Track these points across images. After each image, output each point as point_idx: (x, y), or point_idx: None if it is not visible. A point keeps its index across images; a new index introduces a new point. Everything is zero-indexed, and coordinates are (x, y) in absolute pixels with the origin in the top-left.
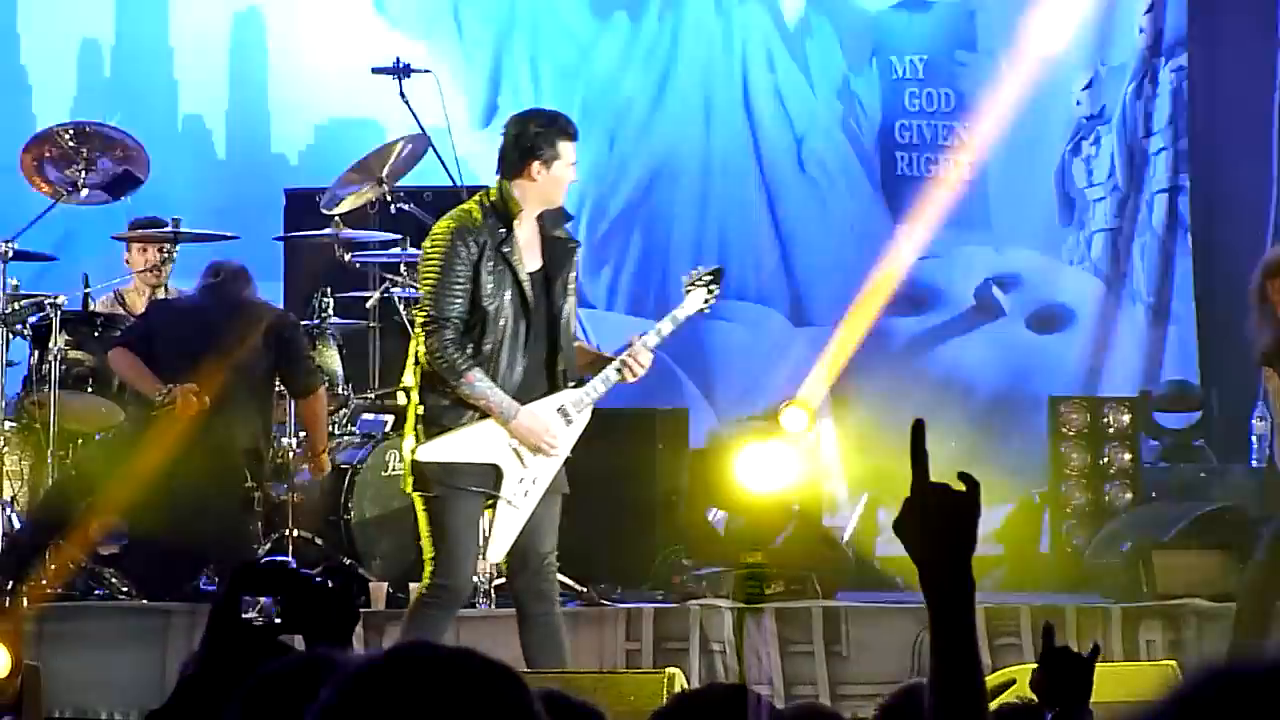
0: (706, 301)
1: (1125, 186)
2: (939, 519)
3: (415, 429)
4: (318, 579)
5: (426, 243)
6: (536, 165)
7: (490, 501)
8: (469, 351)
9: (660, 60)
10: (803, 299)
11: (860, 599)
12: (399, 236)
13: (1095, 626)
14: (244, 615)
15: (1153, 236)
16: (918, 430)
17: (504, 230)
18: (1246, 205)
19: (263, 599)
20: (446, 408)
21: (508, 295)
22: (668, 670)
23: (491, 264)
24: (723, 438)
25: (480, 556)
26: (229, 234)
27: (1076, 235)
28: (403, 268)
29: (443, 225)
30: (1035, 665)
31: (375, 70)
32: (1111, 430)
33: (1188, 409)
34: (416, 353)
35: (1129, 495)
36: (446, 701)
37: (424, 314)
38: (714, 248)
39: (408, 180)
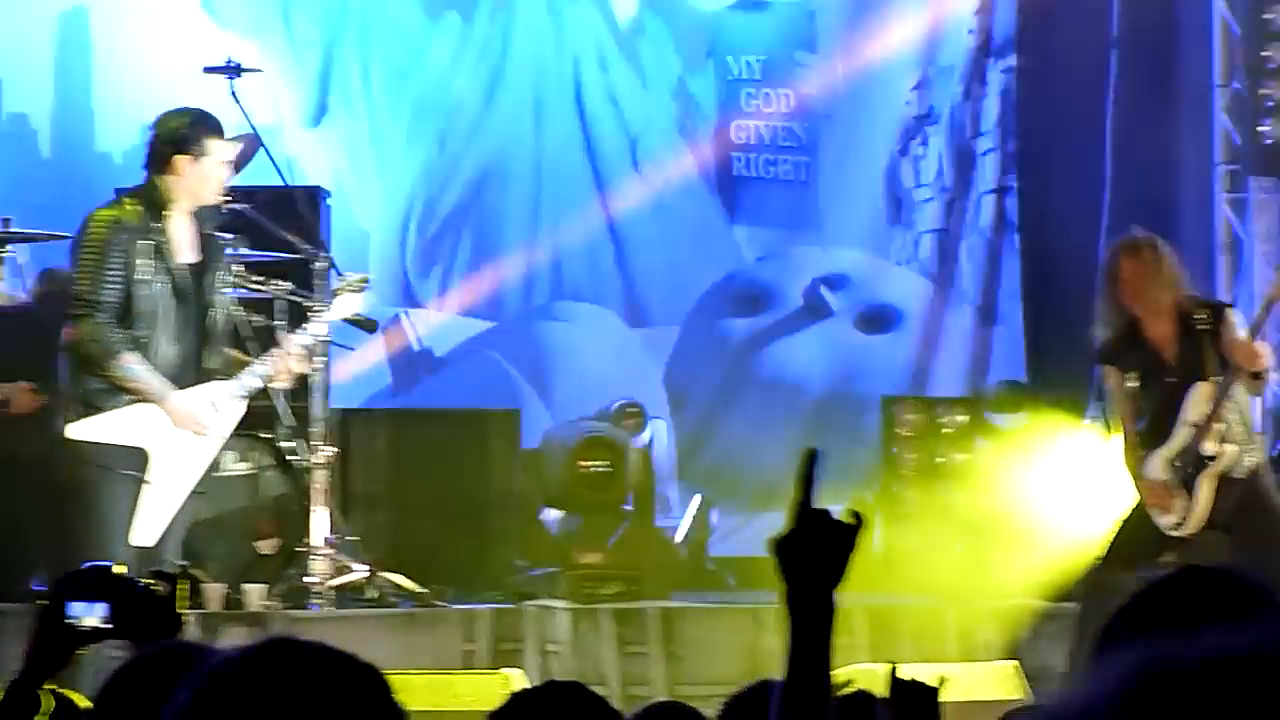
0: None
1: (953, 187)
2: (817, 546)
3: (66, 412)
4: (141, 584)
5: (81, 232)
6: (184, 160)
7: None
8: (121, 336)
9: (492, 60)
10: (638, 300)
11: (694, 599)
12: (231, 236)
13: (932, 627)
14: (69, 620)
15: (980, 237)
16: (808, 458)
17: (157, 224)
18: (1075, 206)
19: (90, 604)
20: (100, 391)
21: (160, 286)
22: (504, 671)
23: (145, 255)
24: (556, 438)
25: (125, 540)
26: (61, 234)
27: (904, 236)
28: (234, 268)
29: (98, 215)
30: (873, 665)
31: (207, 70)
32: (947, 430)
33: (1020, 410)
34: (71, 340)
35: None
36: (310, 699)
37: (77, 300)
38: (546, 248)
39: (239, 180)
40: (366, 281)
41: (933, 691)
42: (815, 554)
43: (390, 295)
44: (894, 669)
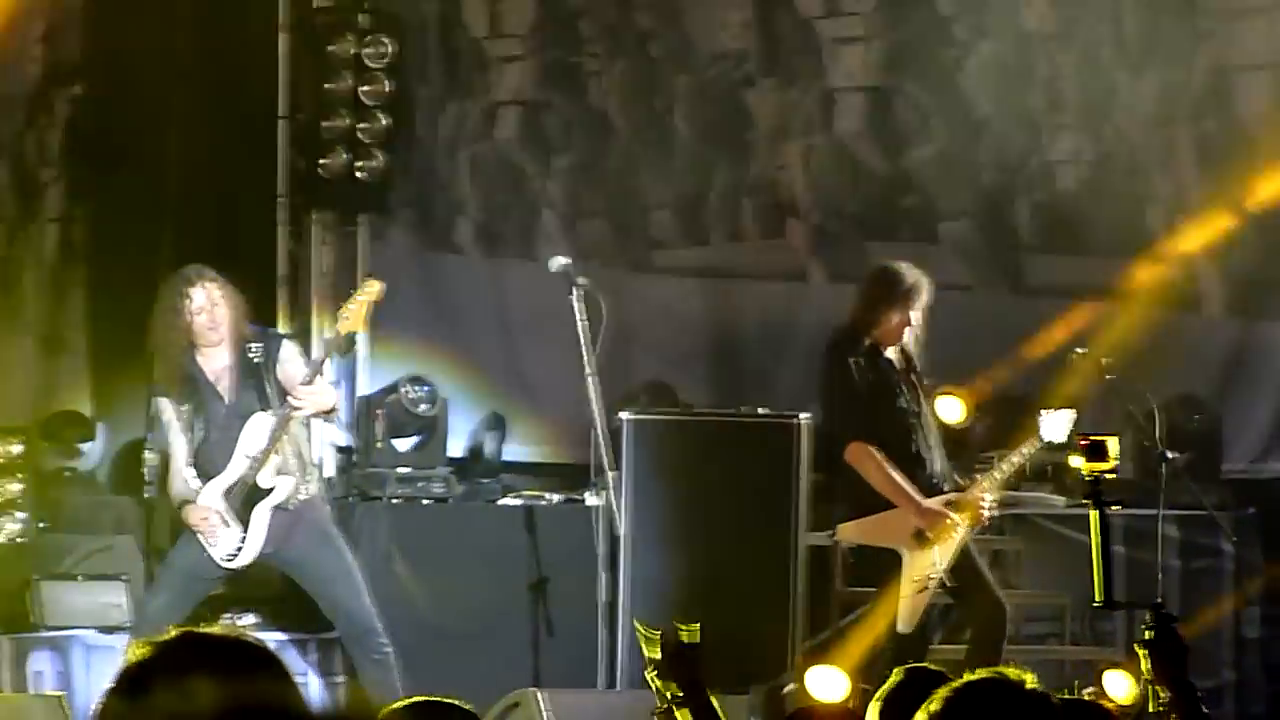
0: None
1: (18, 216)
2: None
3: None
4: None
5: None
6: None
7: None
8: None
9: None
10: None
11: None
12: None
13: None
14: None
15: (45, 266)
16: None
17: None
18: (139, 236)
19: None
20: None
21: None
22: None
23: None
24: None
25: None
26: None
27: None
28: None
29: None
30: None
31: None
32: (1, 460)
33: (81, 439)
34: None
35: (20, 526)
36: None
37: None
38: None
39: None
40: None
41: None
42: None
43: None
44: None
